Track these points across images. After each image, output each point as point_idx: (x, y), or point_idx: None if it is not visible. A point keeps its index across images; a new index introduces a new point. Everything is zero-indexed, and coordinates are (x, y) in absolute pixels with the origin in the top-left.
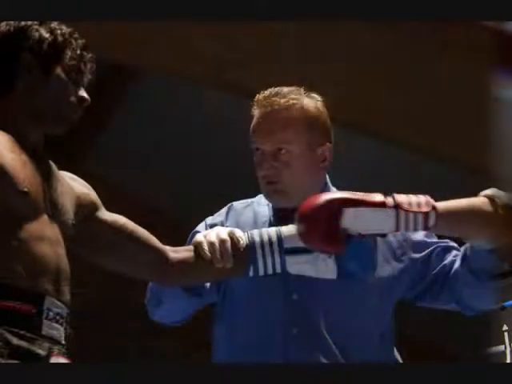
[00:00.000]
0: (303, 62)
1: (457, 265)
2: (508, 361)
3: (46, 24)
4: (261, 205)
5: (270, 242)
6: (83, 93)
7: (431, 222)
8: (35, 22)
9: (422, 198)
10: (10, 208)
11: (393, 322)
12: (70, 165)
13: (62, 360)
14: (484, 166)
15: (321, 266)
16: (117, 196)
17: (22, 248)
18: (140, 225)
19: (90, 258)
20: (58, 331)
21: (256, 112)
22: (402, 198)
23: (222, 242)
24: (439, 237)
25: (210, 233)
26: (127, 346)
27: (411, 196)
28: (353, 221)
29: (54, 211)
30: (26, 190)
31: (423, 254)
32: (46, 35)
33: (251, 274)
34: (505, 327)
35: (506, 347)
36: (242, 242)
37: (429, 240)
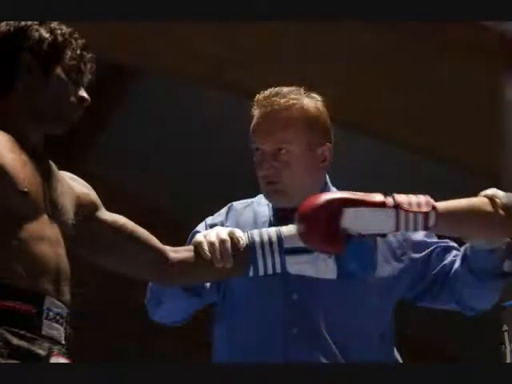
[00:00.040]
0: (303, 62)
1: (457, 265)
2: (508, 361)
3: (45, 24)
4: (261, 205)
5: (270, 242)
6: (83, 93)
7: (431, 221)
8: (35, 22)
9: (422, 198)
10: (10, 208)
11: (393, 322)
12: (70, 165)
13: (62, 360)
14: (484, 165)
15: (321, 266)
16: (117, 196)
17: (22, 248)
18: (140, 225)
19: (90, 258)
20: (58, 331)
21: (256, 112)
22: (402, 198)
23: (222, 242)
24: (439, 237)
25: (210, 233)
26: (127, 346)
27: (411, 196)
28: (353, 221)
29: (54, 211)
30: (25, 190)
31: (423, 254)
32: (46, 35)
33: (251, 274)
34: (505, 327)
35: (505, 347)
36: (242, 242)
37: (429, 240)
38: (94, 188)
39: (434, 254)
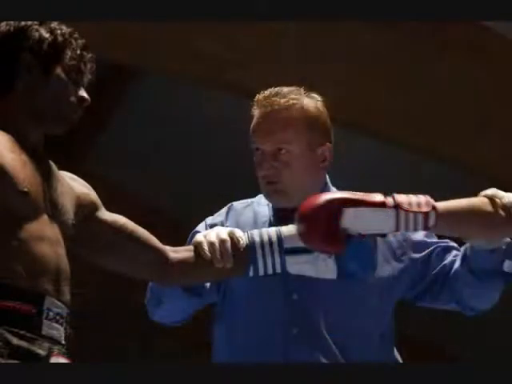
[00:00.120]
0: (303, 62)
1: (457, 265)
2: None
3: (45, 24)
4: (261, 205)
5: (270, 242)
6: (83, 93)
7: (431, 221)
8: (35, 22)
9: (422, 198)
10: (10, 208)
11: (393, 322)
12: (70, 165)
13: (62, 360)
14: (484, 165)
15: (321, 266)
16: (117, 196)
17: (22, 248)
18: (140, 225)
19: (90, 258)
20: (58, 331)
21: (256, 112)
22: (402, 198)
23: (222, 242)
24: (439, 237)
25: (210, 233)
26: (127, 346)
27: (411, 196)
28: (353, 221)
29: (54, 211)
30: (26, 189)
31: (423, 254)
32: (46, 35)
33: (251, 274)
34: None
35: None
36: (242, 242)
37: (429, 240)
38: (94, 188)
39: (434, 254)
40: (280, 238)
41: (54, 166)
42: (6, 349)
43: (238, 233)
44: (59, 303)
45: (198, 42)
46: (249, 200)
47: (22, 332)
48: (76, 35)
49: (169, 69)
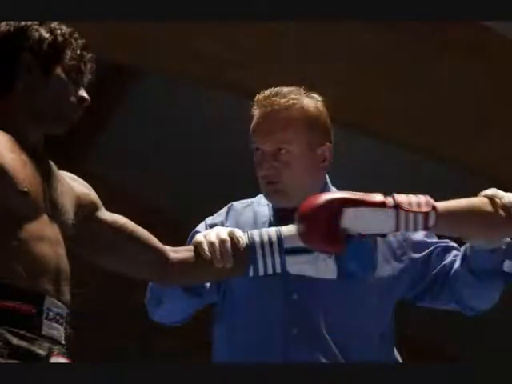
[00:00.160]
0: (303, 62)
1: (457, 265)
2: None
3: (45, 24)
4: (261, 205)
5: (270, 242)
6: (83, 93)
7: (431, 221)
8: (35, 22)
9: (422, 198)
10: (10, 208)
11: (393, 322)
12: (70, 165)
13: (62, 360)
14: (484, 165)
15: (321, 266)
16: (117, 196)
17: (22, 248)
18: (140, 225)
19: (90, 258)
20: (58, 331)
21: (256, 112)
22: (402, 198)
23: (222, 242)
24: (439, 237)
25: (210, 233)
26: (127, 346)
27: (411, 196)
28: (353, 221)
29: (54, 211)
30: (25, 189)
31: (423, 254)
32: (46, 35)
33: (251, 273)
34: None
35: None
36: (242, 242)
37: (429, 240)
38: (94, 188)
39: (434, 254)
40: (280, 238)
41: (54, 166)
42: (6, 349)
43: (238, 233)
44: (59, 303)
45: (198, 42)
46: (249, 200)
47: (22, 332)
48: (76, 35)
49: (169, 69)
